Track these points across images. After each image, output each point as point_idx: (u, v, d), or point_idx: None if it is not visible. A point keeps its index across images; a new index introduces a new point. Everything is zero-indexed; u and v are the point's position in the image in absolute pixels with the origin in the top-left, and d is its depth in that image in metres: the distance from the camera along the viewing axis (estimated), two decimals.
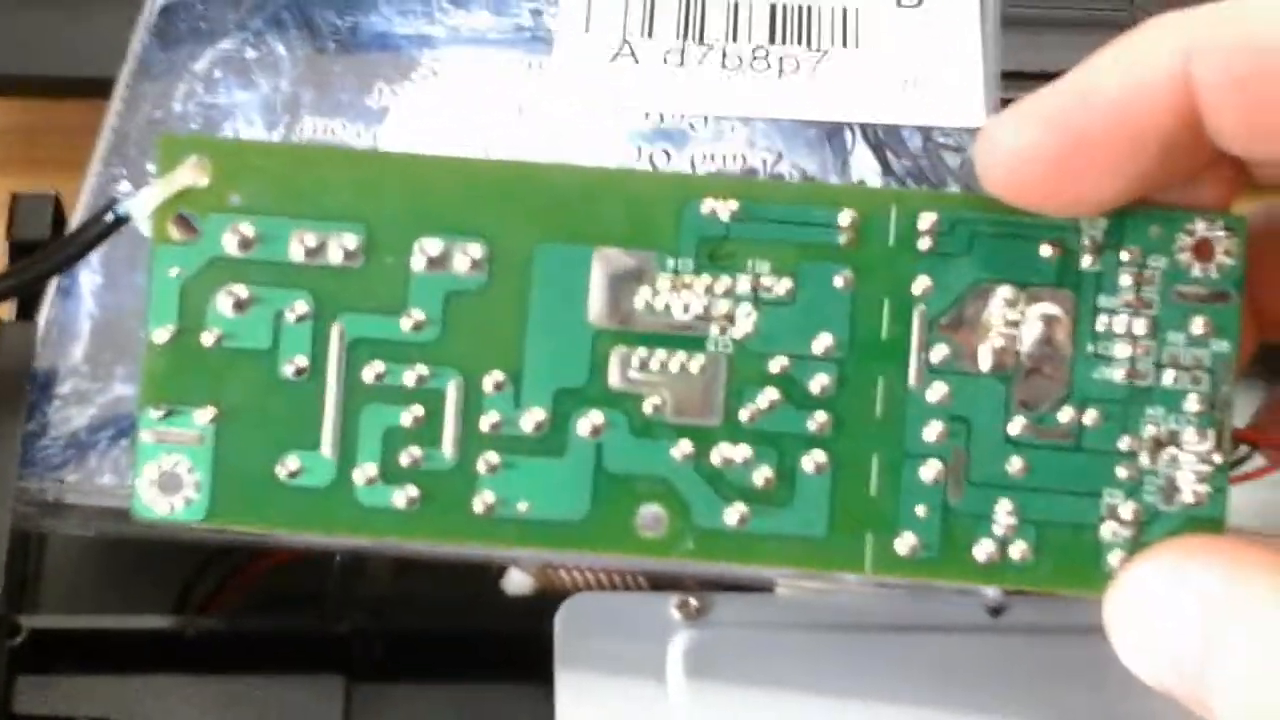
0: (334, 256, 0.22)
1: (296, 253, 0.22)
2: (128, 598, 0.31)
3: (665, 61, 0.32)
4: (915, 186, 0.30)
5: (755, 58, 0.32)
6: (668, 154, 0.31)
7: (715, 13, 0.33)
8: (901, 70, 0.32)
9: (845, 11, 0.32)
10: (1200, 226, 0.21)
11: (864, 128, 0.31)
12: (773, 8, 0.33)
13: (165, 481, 0.22)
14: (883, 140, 0.31)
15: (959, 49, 0.32)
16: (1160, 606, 0.19)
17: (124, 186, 0.30)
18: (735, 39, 0.32)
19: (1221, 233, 0.21)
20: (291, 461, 0.22)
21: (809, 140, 0.31)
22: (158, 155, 0.22)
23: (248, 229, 0.22)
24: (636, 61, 0.32)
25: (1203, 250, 0.21)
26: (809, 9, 0.33)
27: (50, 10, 0.37)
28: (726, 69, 0.32)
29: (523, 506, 0.22)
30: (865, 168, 0.31)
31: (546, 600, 0.27)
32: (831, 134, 0.31)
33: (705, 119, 0.31)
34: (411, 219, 0.22)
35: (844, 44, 0.32)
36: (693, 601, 0.27)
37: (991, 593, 0.26)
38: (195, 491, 0.22)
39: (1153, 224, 0.21)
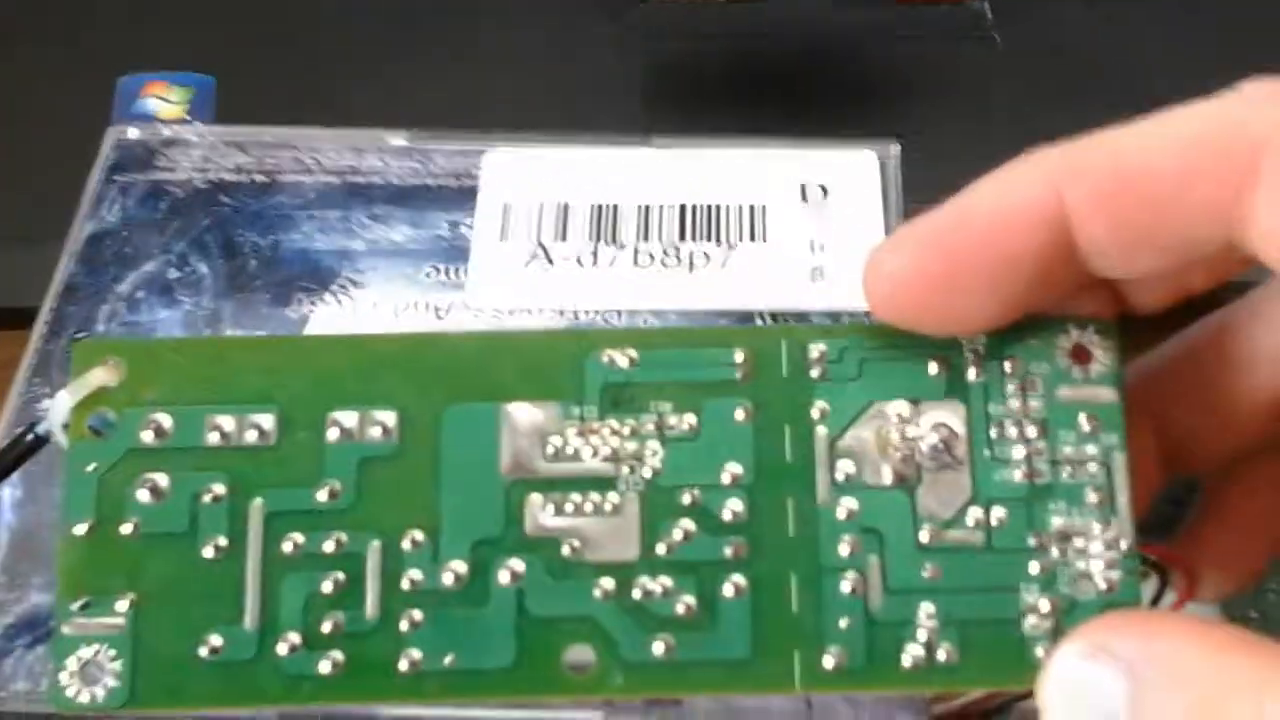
0: (248, 437, 0.22)
1: (212, 437, 0.22)
2: None
3: (579, 263, 0.33)
4: None
5: (666, 254, 0.33)
6: None
7: (627, 214, 0.34)
8: (808, 260, 0.33)
9: (753, 209, 0.33)
10: (1074, 333, 0.22)
11: (774, 315, 0.32)
12: (683, 208, 0.34)
13: (86, 672, 0.21)
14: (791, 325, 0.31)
15: (863, 238, 0.33)
16: (1083, 682, 0.19)
17: (46, 405, 0.31)
18: (646, 238, 0.33)
19: (1095, 337, 0.22)
20: (214, 639, 0.21)
21: None
22: (72, 359, 0.22)
23: (163, 420, 0.22)
24: (550, 263, 0.33)
25: (1080, 355, 0.22)
26: (718, 208, 0.34)
27: None
28: (639, 266, 0.33)
29: (448, 660, 0.21)
30: None
31: None
32: (742, 322, 0.32)
33: (619, 313, 0.32)
34: (321, 395, 0.22)
35: (752, 239, 0.33)
36: None
37: None
38: (116, 679, 0.21)
39: (1030, 334, 0.22)
